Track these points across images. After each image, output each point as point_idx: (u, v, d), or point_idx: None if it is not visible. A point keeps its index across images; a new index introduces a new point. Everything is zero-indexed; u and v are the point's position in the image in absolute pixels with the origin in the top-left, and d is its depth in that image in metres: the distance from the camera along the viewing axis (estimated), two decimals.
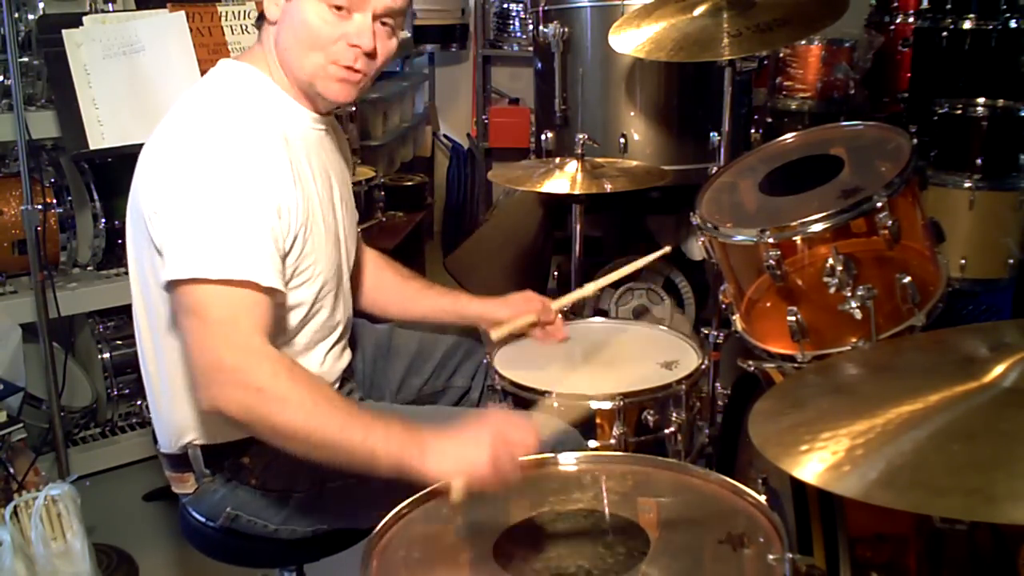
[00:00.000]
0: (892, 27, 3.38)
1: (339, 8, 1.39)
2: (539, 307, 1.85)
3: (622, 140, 2.61)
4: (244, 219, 1.30)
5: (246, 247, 1.29)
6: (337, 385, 1.59)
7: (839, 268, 1.58)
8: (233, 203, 1.30)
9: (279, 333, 1.43)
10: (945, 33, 3.03)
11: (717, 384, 2.22)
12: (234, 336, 1.27)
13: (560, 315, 1.89)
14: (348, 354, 1.65)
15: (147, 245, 1.38)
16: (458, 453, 1.23)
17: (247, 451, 1.48)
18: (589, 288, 1.93)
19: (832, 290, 1.59)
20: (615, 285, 3.11)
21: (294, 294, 1.44)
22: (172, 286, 1.30)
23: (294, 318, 1.47)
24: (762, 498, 1.20)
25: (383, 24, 1.43)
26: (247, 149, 1.34)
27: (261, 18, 1.48)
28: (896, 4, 3.38)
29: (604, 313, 3.03)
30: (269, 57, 1.46)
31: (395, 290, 1.82)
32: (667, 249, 1.93)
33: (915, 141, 1.78)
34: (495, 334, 1.84)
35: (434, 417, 1.61)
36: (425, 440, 1.25)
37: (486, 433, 1.25)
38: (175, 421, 1.48)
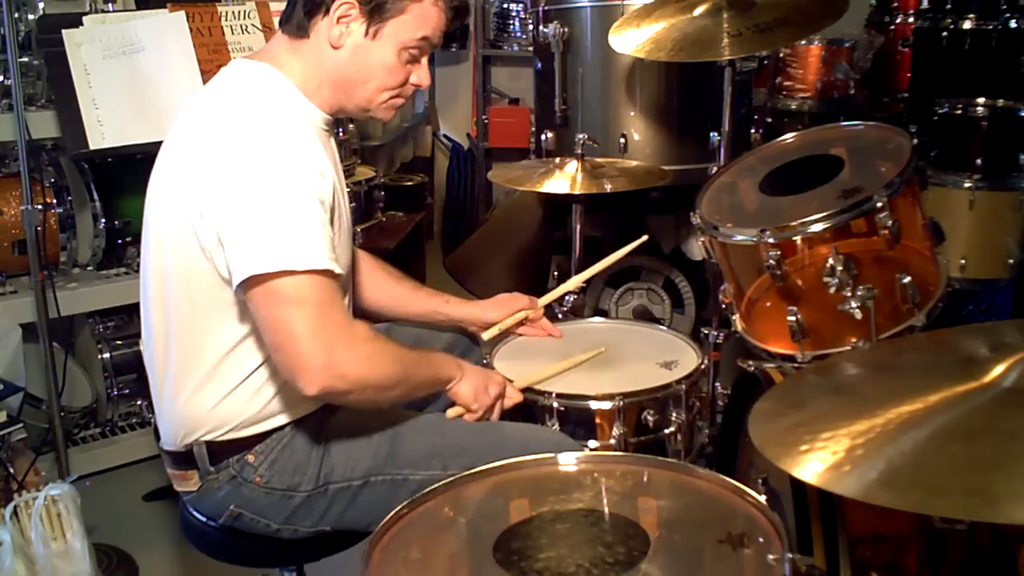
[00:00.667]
0: (892, 27, 3.38)
1: (414, 55, 1.49)
2: (526, 304, 1.93)
3: (622, 140, 2.61)
4: (311, 212, 1.35)
5: (320, 239, 1.35)
6: None
7: (839, 268, 1.58)
8: (298, 196, 1.35)
9: None
10: (945, 33, 3.03)
11: (717, 384, 2.22)
12: (337, 318, 1.36)
13: (543, 311, 1.94)
14: None
15: (184, 243, 1.40)
16: (478, 386, 1.60)
17: (252, 449, 1.49)
18: (571, 283, 1.95)
19: (832, 290, 1.59)
20: (612, 284, 3.11)
21: None
22: (257, 280, 1.33)
23: None
24: (762, 498, 1.20)
25: None
26: (296, 142, 1.39)
27: (298, 27, 1.48)
28: (896, 4, 3.38)
29: (604, 313, 3.04)
30: (306, 68, 1.48)
31: (388, 290, 1.85)
32: (644, 238, 1.96)
33: (915, 141, 1.78)
34: (486, 335, 1.90)
35: (438, 423, 1.62)
36: (464, 369, 1.60)
37: (496, 387, 1.62)
38: (181, 418, 1.49)
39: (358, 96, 1.50)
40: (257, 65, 1.48)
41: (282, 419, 1.50)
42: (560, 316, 2.28)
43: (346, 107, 1.53)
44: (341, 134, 3.13)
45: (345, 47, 1.46)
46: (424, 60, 1.52)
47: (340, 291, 1.39)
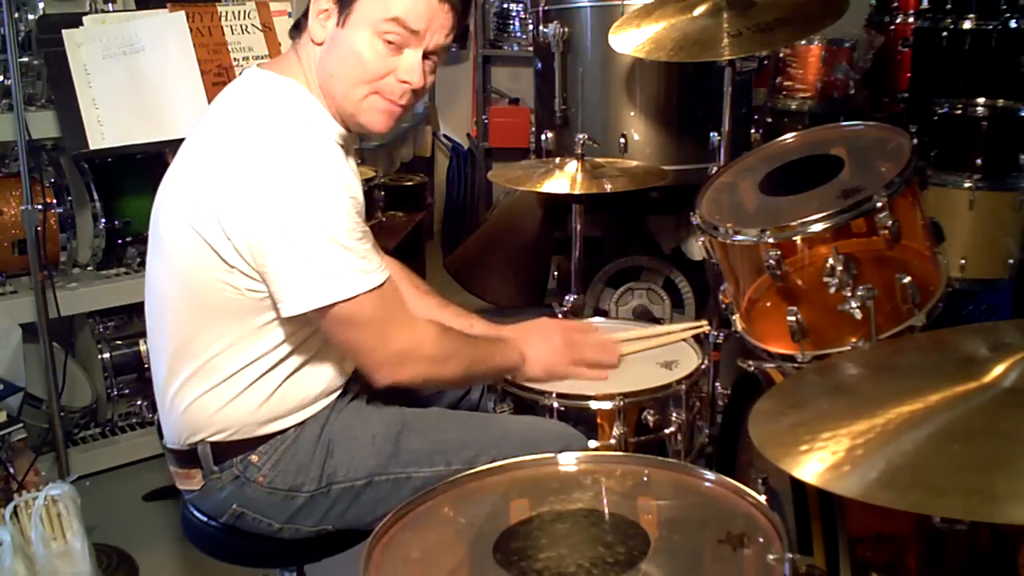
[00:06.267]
0: (892, 27, 3.38)
1: (392, 43, 1.41)
2: None
3: (622, 140, 2.61)
4: (351, 232, 1.37)
5: (365, 257, 1.39)
6: (341, 389, 1.59)
7: (839, 268, 1.58)
8: (337, 220, 1.36)
9: (300, 339, 1.47)
10: (945, 33, 3.03)
11: (717, 384, 2.22)
12: (394, 327, 1.46)
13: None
14: None
15: (199, 257, 1.40)
16: (547, 364, 1.71)
17: (256, 449, 1.49)
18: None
19: (832, 290, 1.59)
20: (612, 284, 3.12)
21: None
22: (321, 311, 1.38)
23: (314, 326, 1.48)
24: (762, 498, 1.20)
25: (427, 59, 1.46)
26: (325, 163, 1.38)
27: (296, 29, 1.49)
28: (896, 4, 3.38)
29: (604, 313, 3.04)
30: (307, 72, 1.47)
31: (411, 304, 1.77)
32: (704, 325, 1.99)
33: (915, 141, 1.77)
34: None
35: (440, 419, 1.62)
36: (526, 354, 1.69)
37: (564, 347, 1.72)
38: (187, 419, 1.49)
39: (340, 95, 1.45)
40: (280, 79, 1.45)
41: (288, 421, 1.50)
42: (560, 316, 2.28)
43: (342, 113, 1.48)
44: None
45: (325, 42, 1.44)
46: (410, 54, 1.42)
47: (395, 295, 1.47)
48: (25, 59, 2.52)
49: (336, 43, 1.43)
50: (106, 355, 2.77)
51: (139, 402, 2.86)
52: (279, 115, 1.41)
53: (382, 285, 1.41)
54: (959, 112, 2.76)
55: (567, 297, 2.35)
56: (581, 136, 2.29)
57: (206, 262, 1.40)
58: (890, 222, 1.61)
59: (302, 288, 1.36)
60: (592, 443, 1.70)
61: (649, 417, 1.73)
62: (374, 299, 1.40)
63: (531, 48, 3.16)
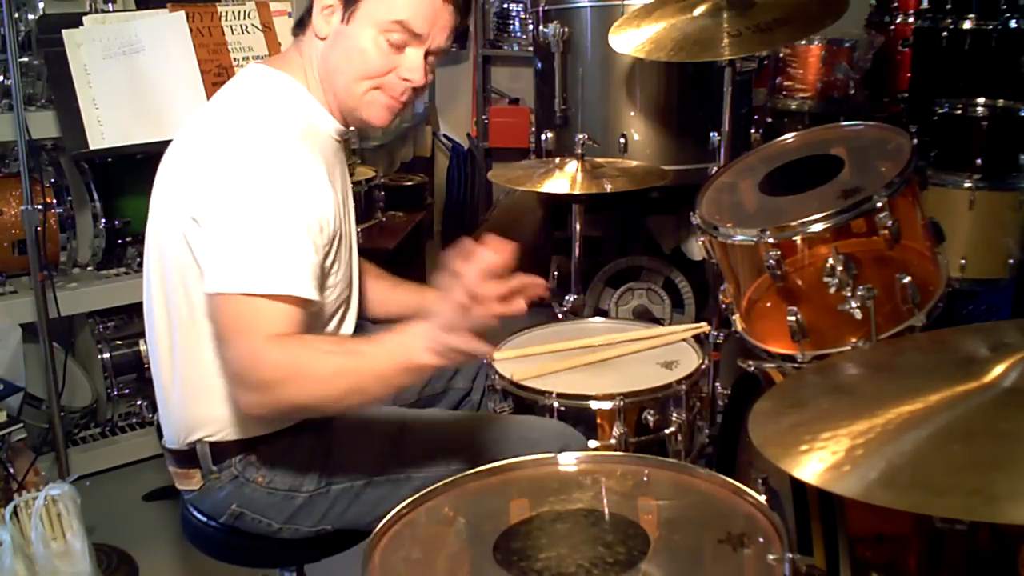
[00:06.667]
0: (892, 27, 3.38)
1: (395, 43, 1.42)
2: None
3: (622, 140, 2.61)
4: (290, 232, 1.33)
5: (290, 261, 1.32)
6: None
7: (839, 268, 1.58)
8: (281, 217, 1.32)
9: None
10: (945, 33, 3.03)
11: (717, 384, 2.22)
12: (250, 344, 1.29)
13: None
14: None
15: (179, 245, 1.39)
16: (438, 336, 1.25)
17: (255, 448, 1.49)
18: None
19: (832, 290, 1.59)
20: (612, 284, 3.12)
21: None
22: (216, 296, 1.32)
23: (315, 327, 1.47)
24: (762, 498, 1.20)
25: (427, 58, 1.47)
26: (294, 162, 1.37)
27: (300, 26, 1.50)
28: (896, 4, 3.38)
29: (604, 313, 3.04)
30: (307, 68, 1.48)
31: (368, 291, 1.80)
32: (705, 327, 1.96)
33: (915, 141, 1.77)
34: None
35: (439, 419, 1.62)
36: (410, 337, 1.28)
37: (450, 310, 1.25)
38: (186, 417, 1.49)
39: (341, 89, 1.46)
40: (275, 73, 1.47)
41: (286, 421, 1.50)
42: (560, 316, 2.29)
43: (343, 108, 1.49)
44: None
45: (328, 37, 1.45)
46: (412, 53, 1.44)
47: (300, 315, 1.32)
48: (25, 59, 2.52)
49: (340, 39, 1.44)
50: (106, 355, 2.77)
51: (139, 402, 2.86)
52: (261, 107, 1.42)
53: (289, 300, 1.30)
54: (959, 112, 2.76)
55: (567, 297, 2.35)
56: (581, 136, 2.30)
57: (183, 256, 1.39)
58: (890, 222, 1.61)
59: (217, 270, 1.31)
60: (592, 443, 1.71)
61: (649, 417, 1.73)
62: (268, 308, 1.29)
63: (531, 48, 3.16)
